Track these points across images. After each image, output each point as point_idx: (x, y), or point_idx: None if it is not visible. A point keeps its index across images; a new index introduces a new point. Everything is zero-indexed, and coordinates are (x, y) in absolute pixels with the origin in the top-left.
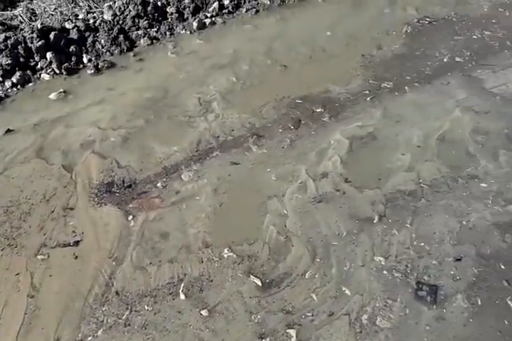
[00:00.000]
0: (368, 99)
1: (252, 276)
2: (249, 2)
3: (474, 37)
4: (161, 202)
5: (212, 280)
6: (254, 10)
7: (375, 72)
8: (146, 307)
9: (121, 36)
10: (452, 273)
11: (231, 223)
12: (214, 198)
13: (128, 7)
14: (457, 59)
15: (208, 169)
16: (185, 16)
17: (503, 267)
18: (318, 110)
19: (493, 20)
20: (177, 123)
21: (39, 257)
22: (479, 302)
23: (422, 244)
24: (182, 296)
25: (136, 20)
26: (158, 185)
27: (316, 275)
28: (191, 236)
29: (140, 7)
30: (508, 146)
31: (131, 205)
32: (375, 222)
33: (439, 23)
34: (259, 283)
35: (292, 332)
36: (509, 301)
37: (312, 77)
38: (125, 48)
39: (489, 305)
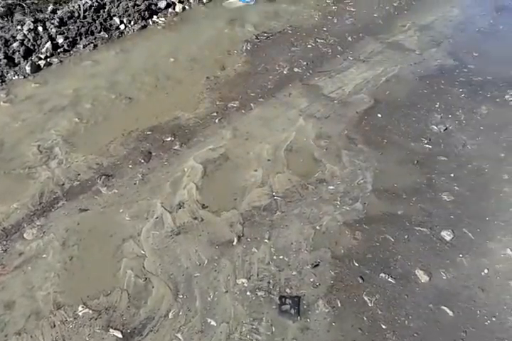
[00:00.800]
0: (217, 120)
1: (111, 330)
2: (85, 37)
3: (309, 46)
4: (2, 268)
5: None
6: (92, 45)
7: (221, 93)
8: None
9: None
10: (312, 280)
11: (84, 276)
12: (63, 253)
13: None
14: (296, 69)
15: (53, 222)
16: (16, 60)
17: (356, 264)
18: (168, 139)
19: (324, 28)
20: (15, 177)
21: None
22: (339, 304)
23: (282, 257)
24: None
25: None
26: None
27: (180, 313)
28: (40, 300)
29: None
30: (348, 146)
31: None
32: (234, 243)
33: (276, 37)
34: (120, 335)
35: None
36: (365, 297)
37: (159, 106)
38: None
39: (348, 304)
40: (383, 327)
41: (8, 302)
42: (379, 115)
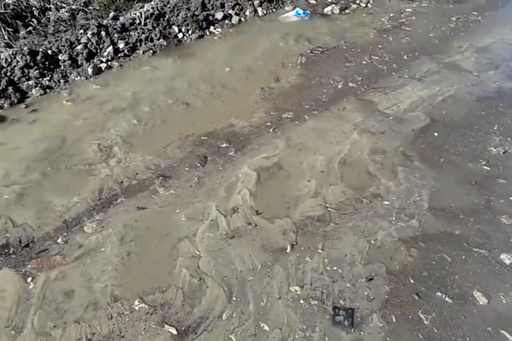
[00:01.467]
0: (271, 130)
1: (166, 326)
2: (145, 44)
3: (364, 62)
4: (63, 258)
5: (123, 336)
6: (151, 51)
7: (275, 104)
8: None
9: (11, 88)
10: (366, 293)
11: (141, 272)
12: (121, 248)
13: (15, 58)
14: (350, 84)
15: (112, 217)
16: (79, 62)
17: (412, 281)
18: (223, 145)
19: (379, 46)
20: (76, 173)
21: None
22: (394, 320)
23: (335, 268)
24: None
25: (26, 71)
26: (59, 240)
27: (234, 315)
28: (98, 291)
29: (28, 57)
30: (404, 163)
31: (29, 266)
32: (287, 251)
33: (331, 52)
34: (175, 332)
35: None
36: (421, 314)
37: (215, 113)
38: (16, 100)
39: (403, 320)
40: None
41: (68, 291)
42: (435, 134)
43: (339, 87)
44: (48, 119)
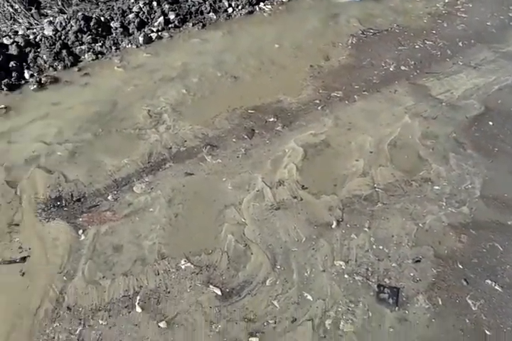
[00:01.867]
0: (319, 108)
1: (211, 286)
2: (195, 17)
3: (417, 47)
4: (113, 214)
5: (169, 292)
6: (201, 24)
7: (324, 82)
8: (101, 322)
9: (65, 51)
10: (412, 274)
11: (187, 233)
12: (168, 209)
13: (69, 22)
14: (403, 68)
15: (161, 180)
16: (131, 31)
17: (460, 266)
18: (271, 120)
19: (433, 31)
20: (127, 136)
21: None
22: (440, 302)
23: (381, 247)
24: (138, 309)
25: (79, 36)
26: (109, 197)
27: (277, 282)
28: (146, 248)
29: (82, 22)
30: (456, 150)
31: (81, 219)
32: (333, 227)
33: (383, 35)
34: (219, 293)
35: (255, 340)
36: (469, 300)
37: (263, 88)
38: (69, 63)
39: (450, 304)
40: (487, 333)
41: (117, 245)
42: (490, 123)
43: (391, 69)
44: (100, 83)
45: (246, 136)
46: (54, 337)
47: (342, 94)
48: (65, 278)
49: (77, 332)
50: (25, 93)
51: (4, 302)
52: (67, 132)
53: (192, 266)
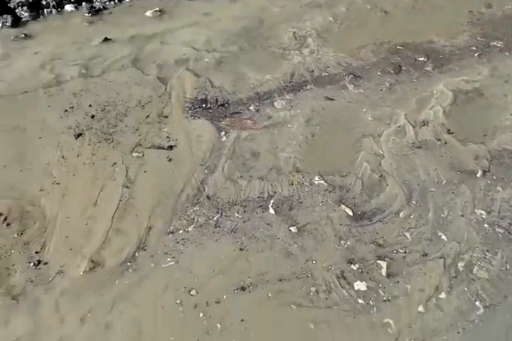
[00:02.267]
0: (476, 55)
1: (343, 205)
2: None
3: None
4: (253, 123)
5: (302, 202)
6: None
7: (484, 30)
8: (236, 215)
9: None
10: None
11: (323, 154)
12: (306, 128)
13: None
14: None
15: (301, 100)
16: None
17: None
18: (420, 59)
19: None
20: (271, 54)
21: (134, 154)
22: None
23: None
24: (271, 211)
25: None
26: (251, 108)
27: (411, 216)
28: (282, 159)
29: None
30: None
31: (223, 122)
32: (478, 176)
33: None
34: (351, 213)
35: (383, 263)
36: None
37: (414, 26)
38: None
39: None
40: None
41: (255, 152)
42: None
43: None
44: (248, 1)
45: (392, 71)
46: (194, 219)
47: (503, 45)
48: (206, 170)
49: (215, 218)
50: (179, 0)
51: (153, 182)
52: (215, 42)
53: (325, 183)
